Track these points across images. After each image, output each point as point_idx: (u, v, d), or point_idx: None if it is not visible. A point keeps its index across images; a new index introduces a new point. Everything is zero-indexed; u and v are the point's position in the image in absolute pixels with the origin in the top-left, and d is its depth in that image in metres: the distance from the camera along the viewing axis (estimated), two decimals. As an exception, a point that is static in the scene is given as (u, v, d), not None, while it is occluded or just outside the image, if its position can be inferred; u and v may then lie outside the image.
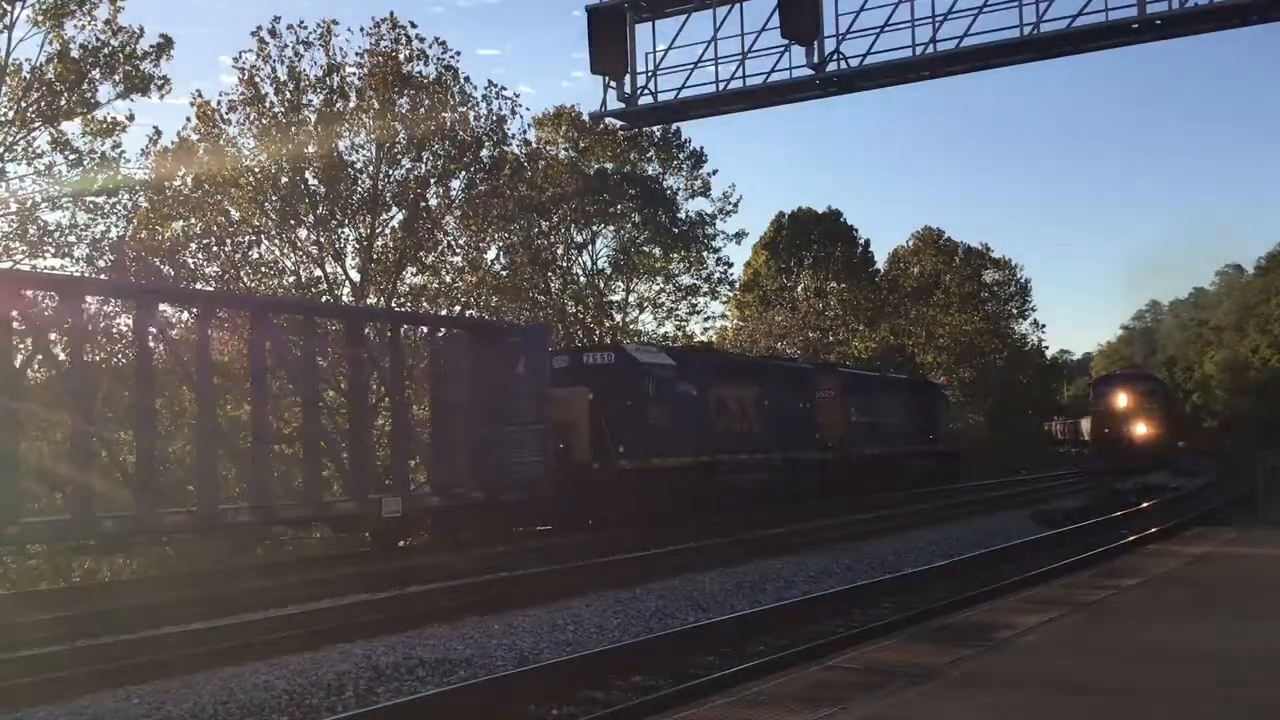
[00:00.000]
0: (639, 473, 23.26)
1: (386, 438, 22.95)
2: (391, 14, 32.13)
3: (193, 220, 30.49)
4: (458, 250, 34.48)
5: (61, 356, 16.96)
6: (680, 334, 45.69)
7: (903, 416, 37.80)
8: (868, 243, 59.72)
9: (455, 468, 20.03)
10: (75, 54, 27.03)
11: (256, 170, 31.03)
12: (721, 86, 16.50)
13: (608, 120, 18.59)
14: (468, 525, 19.57)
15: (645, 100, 16.94)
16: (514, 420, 20.42)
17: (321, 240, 31.84)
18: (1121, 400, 50.06)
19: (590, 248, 43.92)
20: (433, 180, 33.20)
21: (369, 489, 18.43)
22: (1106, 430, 49.53)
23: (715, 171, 54.72)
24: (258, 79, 30.84)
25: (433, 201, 33.52)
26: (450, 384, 20.82)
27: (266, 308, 19.33)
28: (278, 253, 31.93)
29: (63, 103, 27.01)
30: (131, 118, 28.62)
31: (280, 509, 17.31)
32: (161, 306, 19.17)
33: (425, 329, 24.18)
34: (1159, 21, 15.00)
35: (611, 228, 44.26)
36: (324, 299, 30.41)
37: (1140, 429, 48.72)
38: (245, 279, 30.46)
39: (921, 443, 38.90)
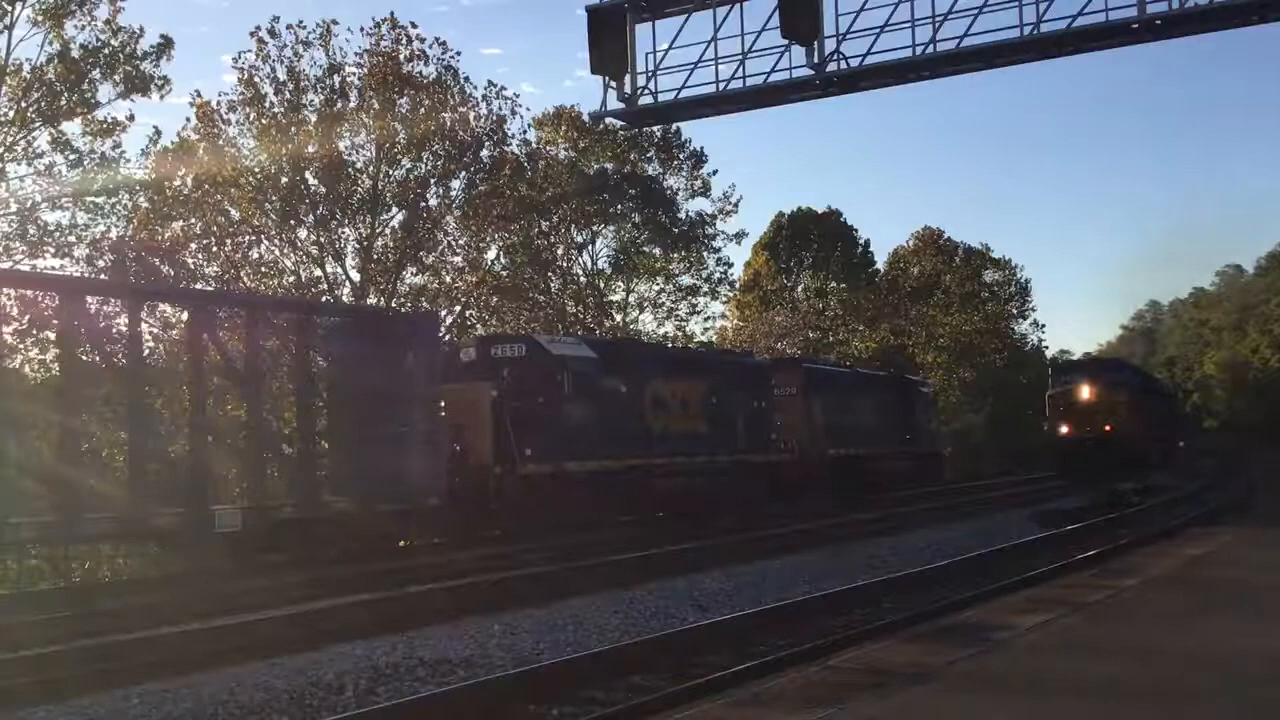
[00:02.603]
0: (549, 478, 21.05)
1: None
2: (392, 14, 32.24)
3: (193, 220, 30.53)
4: (458, 250, 34.59)
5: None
6: (680, 334, 45.74)
7: (875, 415, 35.65)
8: (868, 243, 59.92)
9: (323, 474, 17.89)
10: (75, 54, 27.05)
11: (256, 170, 31.06)
12: (721, 86, 16.51)
13: (608, 120, 18.60)
14: (335, 539, 17.04)
15: (645, 100, 16.94)
16: (399, 420, 18.08)
17: (321, 240, 31.89)
18: (1084, 392, 41.63)
19: (590, 248, 44.02)
20: (433, 180, 33.27)
21: (206, 499, 15.90)
22: (1065, 430, 41.41)
23: (715, 172, 54.72)
24: (257, 79, 30.89)
25: (433, 201, 33.63)
26: (323, 378, 18.86)
27: (78, 291, 16.90)
28: (278, 253, 32.03)
29: (63, 103, 27.05)
30: (131, 118, 28.73)
31: (84, 523, 14.78)
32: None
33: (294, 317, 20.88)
34: (1159, 21, 15.01)
35: (611, 228, 44.31)
36: (324, 299, 30.40)
37: (1106, 427, 40.59)
38: (245, 279, 30.50)
39: (896, 443, 36.85)
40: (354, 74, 31.71)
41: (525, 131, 37.44)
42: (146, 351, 21.02)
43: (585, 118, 39.78)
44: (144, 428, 15.82)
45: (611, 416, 22.90)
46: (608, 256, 44.60)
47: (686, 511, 24.26)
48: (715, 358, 31.63)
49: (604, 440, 22.49)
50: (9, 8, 26.15)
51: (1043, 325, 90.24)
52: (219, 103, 30.76)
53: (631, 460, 23.22)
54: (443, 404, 19.76)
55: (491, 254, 36.67)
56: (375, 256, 32.53)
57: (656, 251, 45.28)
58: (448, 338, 30.06)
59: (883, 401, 36.89)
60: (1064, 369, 48.07)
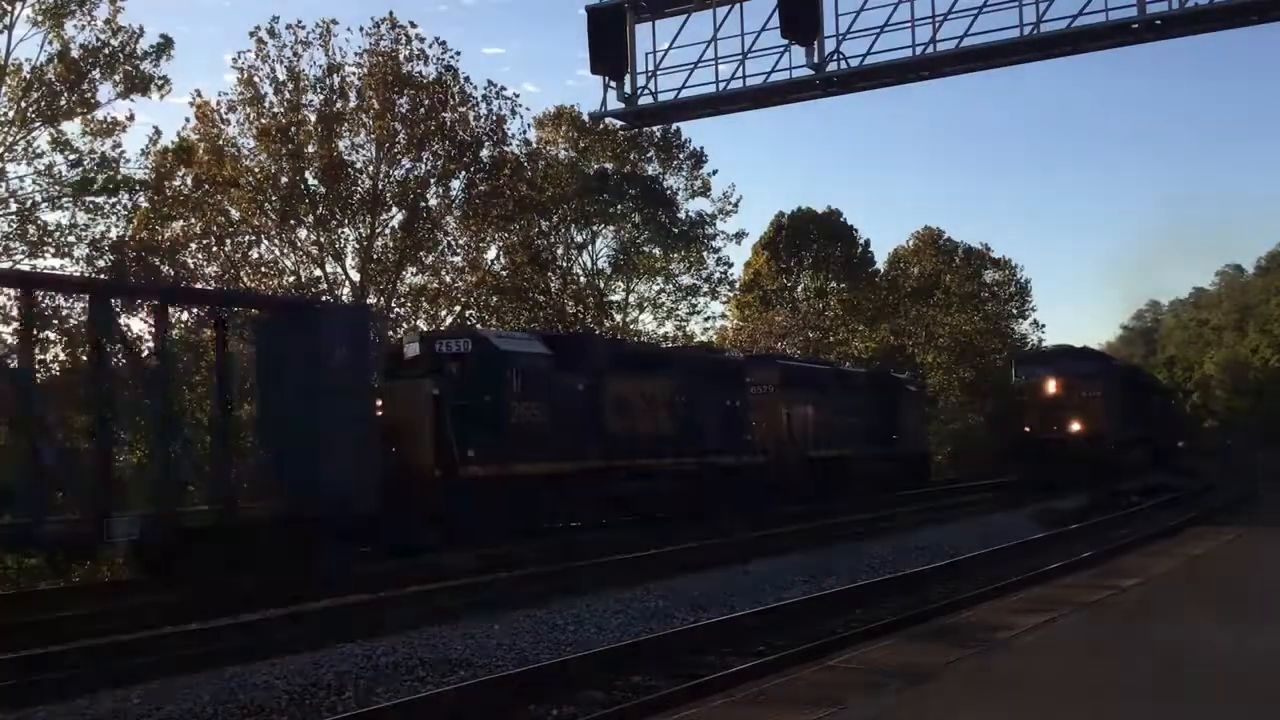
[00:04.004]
0: (496, 481, 19.84)
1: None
2: (391, 14, 32.16)
3: (193, 220, 30.52)
4: (458, 250, 34.53)
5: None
6: (680, 334, 45.71)
7: (858, 415, 34.28)
8: (868, 243, 59.70)
9: (240, 477, 16.73)
10: (75, 54, 27.02)
11: (256, 170, 31.07)
12: (721, 86, 16.53)
13: (608, 120, 18.60)
14: (251, 548, 15.50)
15: (645, 100, 16.96)
16: (328, 419, 16.77)
17: (321, 240, 31.87)
18: (1050, 387, 37.10)
19: (590, 248, 43.96)
20: (433, 180, 33.23)
21: (99, 504, 14.27)
22: (1029, 429, 37.39)
23: (715, 171, 54.69)
24: (256, 79, 30.88)
25: (433, 201, 33.57)
26: (244, 375, 17.82)
27: None
28: (278, 253, 31.99)
29: (63, 103, 26.99)
30: (131, 118, 28.62)
31: None
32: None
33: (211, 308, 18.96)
34: (1159, 21, 15.03)
35: (611, 228, 44.27)
36: (324, 299, 30.36)
37: (1074, 426, 36.39)
38: (245, 279, 30.49)
39: (881, 444, 35.45)
40: (354, 74, 31.73)
41: (525, 131, 37.45)
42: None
43: (585, 118, 39.77)
44: (32, 425, 13.85)
45: (566, 416, 21.62)
46: (608, 256, 44.59)
47: (651, 517, 23.33)
48: (684, 355, 30.49)
49: (558, 441, 21.23)
50: (9, 7, 26.09)
51: (1043, 325, 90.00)
52: (219, 103, 30.79)
53: (589, 462, 22.04)
54: (379, 402, 18.94)
55: (491, 254, 36.68)
56: (375, 256, 32.51)
57: (656, 251, 45.25)
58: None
59: (867, 401, 35.46)
60: (1028, 361, 42.53)
